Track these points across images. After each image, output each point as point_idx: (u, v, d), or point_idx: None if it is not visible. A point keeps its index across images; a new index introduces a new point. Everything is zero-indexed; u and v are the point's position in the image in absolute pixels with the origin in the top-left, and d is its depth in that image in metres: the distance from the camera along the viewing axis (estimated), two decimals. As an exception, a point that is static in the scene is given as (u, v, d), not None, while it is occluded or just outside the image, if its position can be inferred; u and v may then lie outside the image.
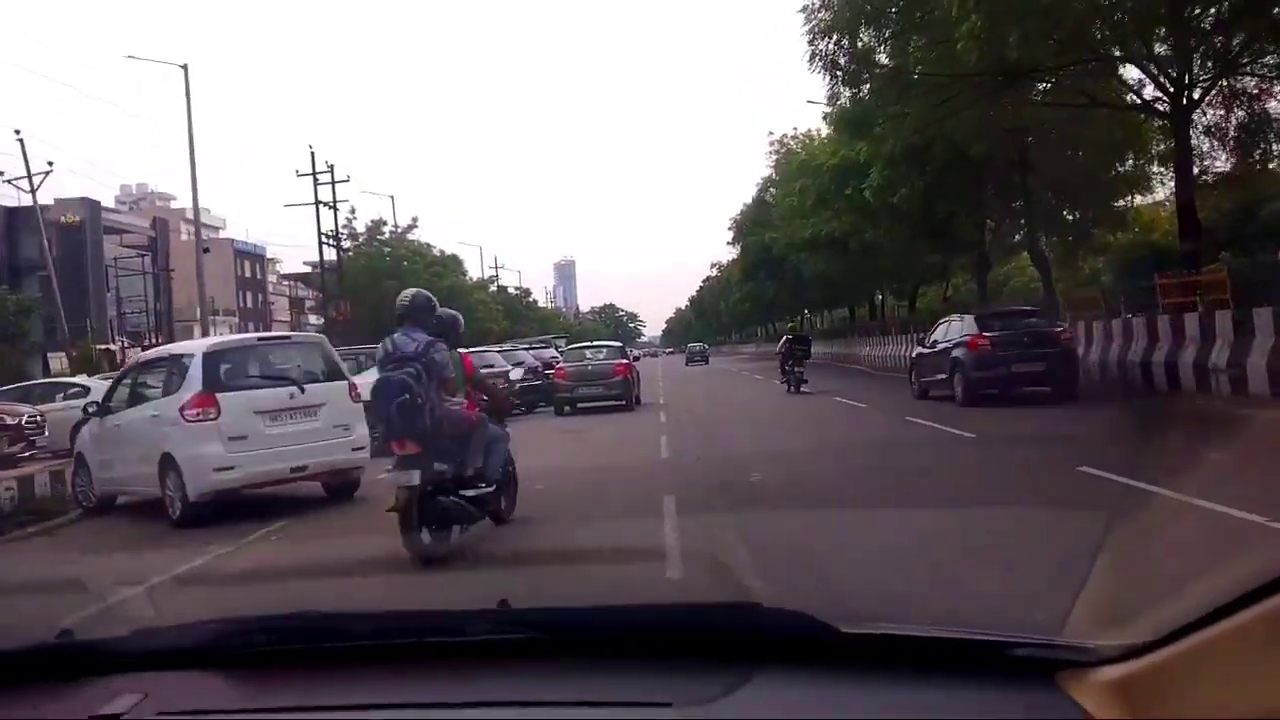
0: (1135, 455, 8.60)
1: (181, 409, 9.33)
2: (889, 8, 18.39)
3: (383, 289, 41.15)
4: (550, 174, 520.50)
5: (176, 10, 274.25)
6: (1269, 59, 17.74)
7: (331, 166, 38.46)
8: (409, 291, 7.37)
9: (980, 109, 18.54)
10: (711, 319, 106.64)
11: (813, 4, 18.89)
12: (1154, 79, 18.13)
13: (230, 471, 9.28)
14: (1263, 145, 19.57)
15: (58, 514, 10.85)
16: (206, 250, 34.53)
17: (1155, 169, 23.21)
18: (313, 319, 54.91)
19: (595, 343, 26.09)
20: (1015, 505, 7.23)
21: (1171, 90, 17.60)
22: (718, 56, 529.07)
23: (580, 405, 20.58)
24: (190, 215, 40.71)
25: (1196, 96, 17.98)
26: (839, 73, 19.45)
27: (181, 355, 10.30)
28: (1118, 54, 17.92)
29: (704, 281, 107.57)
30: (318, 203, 37.96)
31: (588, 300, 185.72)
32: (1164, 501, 6.53)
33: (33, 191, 34.61)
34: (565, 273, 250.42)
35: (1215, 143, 20.00)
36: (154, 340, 41.56)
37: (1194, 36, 17.02)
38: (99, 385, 15.82)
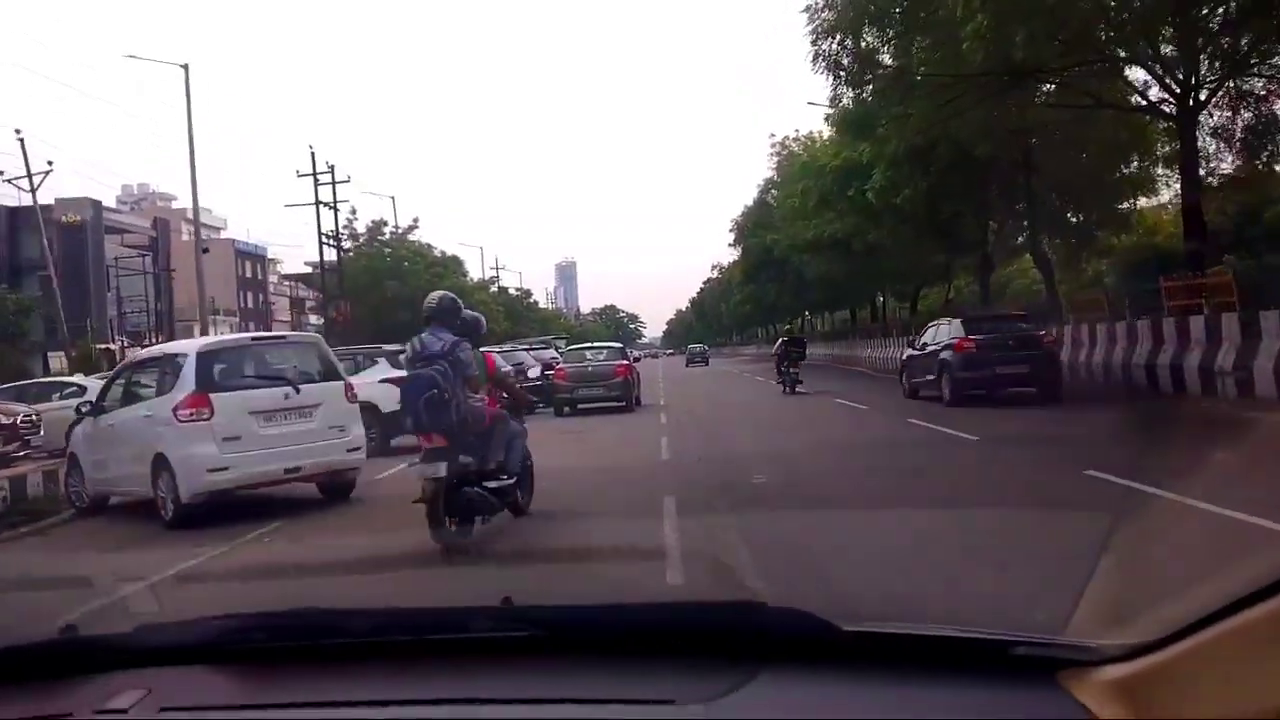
0: (1140, 458, 8.53)
1: (175, 409, 9.21)
2: (893, 8, 18.32)
3: (383, 289, 41.18)
4: (552, 175, 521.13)
5: (178, 10, 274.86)
6: (1277, 59, 17.65)
7: (332, 167, 38.54)
8: (435, 294, 7.60)
9: (985, 110, 18.49)
10: (712, 320, 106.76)
11: (815, 4, 18.86)
12: (1160, 80, 18.04)
13: (224, 472, 9.16)
14: (1270, 147, 19.47)
15: (50, 514, 10.79)
16: (206, 250, 34.47)
17: (1160, 171, 23.17)
18: (313, 319, 54.87)
19: (595, 344, 26.09)
20: (1018, 507, 7.20)
21: (1178, 91, 17.51)
22: (718, 57, 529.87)
23: (580, 406, 20.55)
24: (191, 215, 40.65)
25: (1203, 98, 17.89)
26: (842, 73, 19.39)
27: (175, 354, 10.20)
28: (1123, 55, 17.82)
29: (705, 283, 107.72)
30: (318, 203, 37.95)
31: (589, 301, 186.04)
32: (1168, 505, 6.49)
33: (33, 191, 34.64)
34: (566, 274, 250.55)
35: (1222, 144, 19.93)
36: (154, 340, 41.46)
37: (1201, 37, 16.94)
38: (95, 385, 15.70)
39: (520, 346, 30.41)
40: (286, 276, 70.97)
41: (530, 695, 1.42)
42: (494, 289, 64.38)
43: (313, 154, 37.72)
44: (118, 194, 66.26)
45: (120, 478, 10.34)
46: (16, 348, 33.78)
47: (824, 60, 19.04)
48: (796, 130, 47.54)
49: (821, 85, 21.77)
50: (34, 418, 16.58)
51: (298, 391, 9.62)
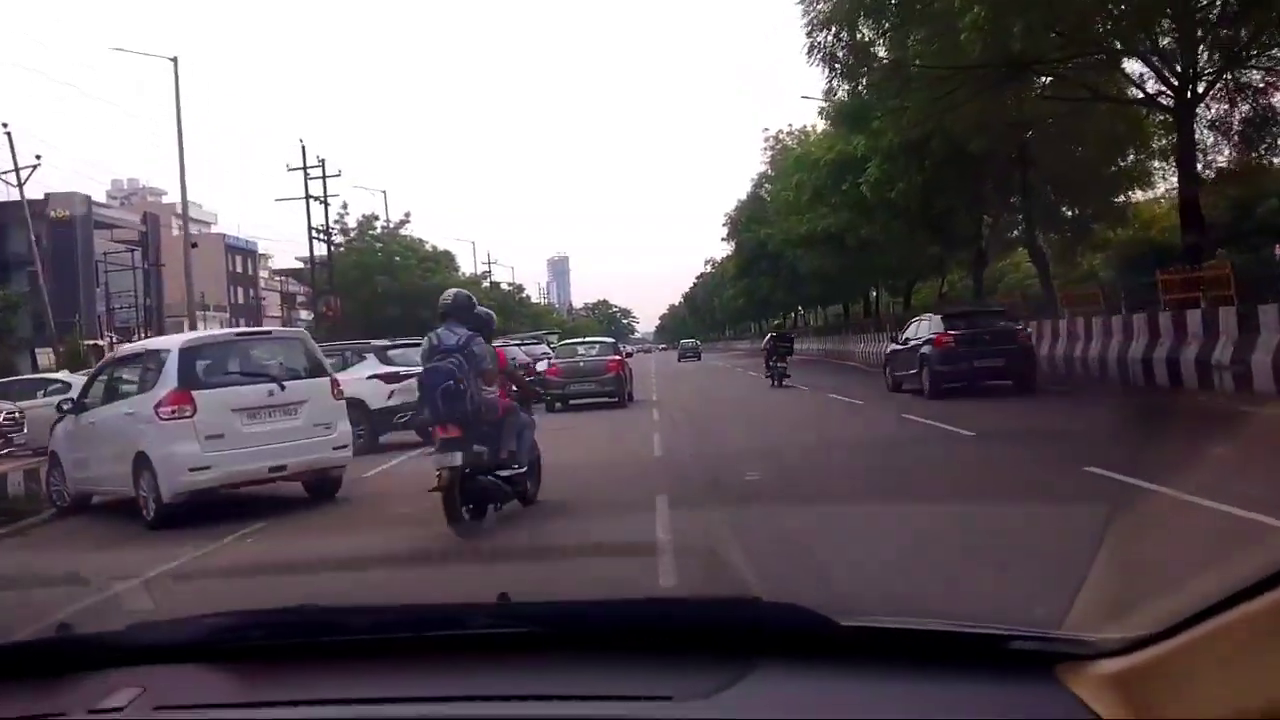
0: (1137, 453, 8.47)
1: (156, 406, 9.02)
2: (889, -1, 18.16)
3: (374, 284, 40.90)
4: (545, 171, 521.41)
5: (169, 4, 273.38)
6: (1276, 51, 17.55)
7: (323, 161, 38.17)
8: (450, 291, 8.04)
9: (981, 103, 18.38)
10: (705, 315, 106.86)
11: (811, -4, 18.66)
12: (1158, 72, 17.95)
13: (206, 471, 8.96)
14: (1268, 140, 19.39)
15: (31, 514, 10.62)
16: (195, 245, 34.25)
17: (1156, 164, 23.08)
18: (304, 314, 54.46)
19: (587, 339, 26.03)
20: (1015, 502, 7.15)
21: (1176, 84, 17.41)
22: (717, 56, 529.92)
23: (572, 402, 20.45)
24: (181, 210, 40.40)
25: (1201, 90, 17.78)
26: (837, 66, 19.28)
27: (158, 350, 10.00)
28: (1121, 47, 17.70)
29: (698, 278, 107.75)
30: (308, 197, 37.64)
31: (581, 297, 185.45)
32: (1166, 500, 6.47)
33: (20, 185, 34.42)
34: (559, 269, 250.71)
35: (1219, 137, 19.83)
36: (143, 336, 41.23)
37: (1200, 28, 16.84)
38: (80, 382, 15.50)
39: (512, 342, 30.29)
40: (277, 272, 70.59)
41: (528, 692, 1.41)
42: (485, 284, 64.10)
43: (303, 148, 37.62)
44: (107, 189, 66.14)
45: (101, 477, 10.16)
46: (4, 344, 33.54)
47: (819, 53, 18.95)
48: (790, 124, 47.36)
49: (818, 81, 21.67)
50: (17, 415, 16.39)
51: (283, 388, 9.42)
